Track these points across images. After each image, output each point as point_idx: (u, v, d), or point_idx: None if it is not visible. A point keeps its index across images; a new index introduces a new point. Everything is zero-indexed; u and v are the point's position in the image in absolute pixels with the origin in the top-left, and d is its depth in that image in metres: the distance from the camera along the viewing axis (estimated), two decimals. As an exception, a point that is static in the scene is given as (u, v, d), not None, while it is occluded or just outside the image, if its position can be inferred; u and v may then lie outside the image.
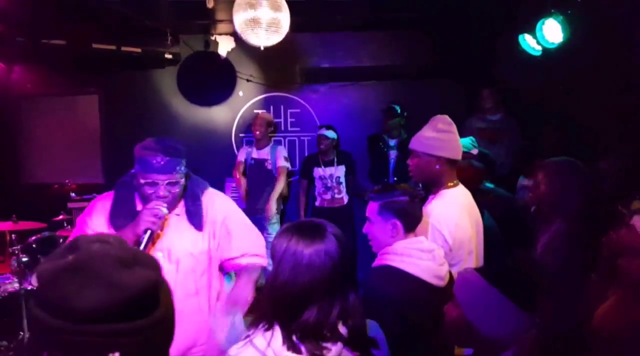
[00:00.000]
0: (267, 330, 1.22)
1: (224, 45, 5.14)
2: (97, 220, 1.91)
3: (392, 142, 4.67)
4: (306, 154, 5.17)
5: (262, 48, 3.09)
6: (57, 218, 4.39)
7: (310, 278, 1.20)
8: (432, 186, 2.19)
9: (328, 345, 1.19)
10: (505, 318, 1.31)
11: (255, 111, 5.19)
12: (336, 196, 4.71)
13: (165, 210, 1.81)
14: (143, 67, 5.11)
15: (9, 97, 5.06)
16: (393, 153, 4.63)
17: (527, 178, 3.58)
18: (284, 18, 2.99)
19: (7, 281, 3.71)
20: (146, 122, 5.28)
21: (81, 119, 5.33)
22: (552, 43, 3.55)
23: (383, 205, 1.82)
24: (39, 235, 3.88)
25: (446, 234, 2.02)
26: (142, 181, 1.82)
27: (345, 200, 4.73)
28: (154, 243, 1.86)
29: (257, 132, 4.69)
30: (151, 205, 1.81)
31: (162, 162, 1.80)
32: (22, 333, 3.45)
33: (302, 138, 5.29)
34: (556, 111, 3.91)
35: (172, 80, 5.21)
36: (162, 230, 1.86)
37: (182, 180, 1.89)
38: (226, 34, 5.02)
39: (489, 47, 4.42)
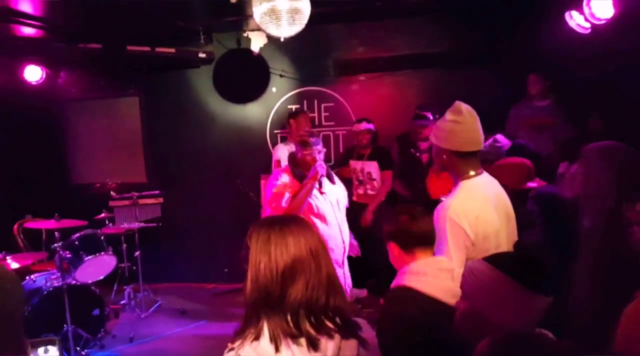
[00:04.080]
0: (255, 338, 1.16)
1: (256, 42, 5.14)
2: (289, 180, 3.10)
3: (423, 145, 4.27)
4: (341, 149, 5.07)
5: (282, 39, 3.03)
6: (99, 217, 4.57)
7: (292, 251, 1.19)
8: (452, 176, 2.06)
9: (324, 336, 1.15)
10: (514, 302, 1.25)
11: (292, 108, 5.15)
12: (369, 192, 4.50)
13: (324, 165, 3.06)
14: (179, 67, 5.21)
15: (56, 102, 5.33)
16: (425, 157, 4.25)
17: (569, 165, 3.32)
18: (305, 7, 2.91)
19: (52, 277, 3.89)
20: (184, 121, 5.41)
21: (123, 120, 5.52)
22: (602, 18, 3.29)
23: (384, 232, 1.83)
24: (81, 233, 4.04)
25: (467, 228, 1.86)
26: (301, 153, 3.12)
27: (382, 197, 4.45)
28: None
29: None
30: (319, 164, 3.01)
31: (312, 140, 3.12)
32: (66, 326, 3.61)
33: (337, 132, 5.19)
34: (608, 94, 3.56)
35: (208, 79, 5.28)
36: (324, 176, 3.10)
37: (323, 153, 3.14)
38: (258, 29, 5.01)
39: (533, 28, 4.08)
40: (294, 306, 1.16)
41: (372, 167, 4.48)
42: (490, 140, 3.28)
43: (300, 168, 3.11)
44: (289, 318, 1.15)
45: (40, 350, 2.25)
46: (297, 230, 1.22)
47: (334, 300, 1.19)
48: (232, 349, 1.17)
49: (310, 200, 3.04)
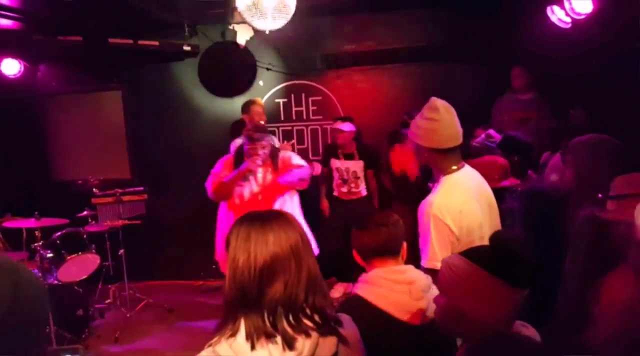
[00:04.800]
0: (231, 335, 1.14)
1: (243, 34, 5.04)
2: (227, 167, 3.34)
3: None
4: (329, 142, 5.01)
5: (267, 32, 2.95)
6: (81, 214, 4.46)
7: (272, 249, 1.17)
8: (435, 172, 2.06)
9: (301, 335, 1.14)
10: (492, 296, 1.24)
11: (280, 102, 5.11)
12: (353, 190, 4.54)
13: (259, 162, 3.19)
14: (163, 61, 5.09)
15: (35, 96, 5.17)
16: None
17: (551, 155, 3.35)
18: (290, -1, 2.84)
19: (33, 277, 3.78)
20: (169, 116, 5.30)
21: (106, 115, 5.39)
22: (582, 13, 3.40)
23: None
24: (62, 231, 3.94)
25: (450, 224, 1.86)
26: (247, 147, 3.22)
27: (364, 192, 4.56)
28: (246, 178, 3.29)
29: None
30: (251, 159, 3.16)
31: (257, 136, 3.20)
32: (48, 327, 3.51)
33: (324, 126, 5.13)
34: (589, 87, 3.62)
35: (193, 73, 5.17)
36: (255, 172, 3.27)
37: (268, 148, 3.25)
38: (243, 22, 4.90)
39: (516, 22, 4.15)
40: (272, 306, 1.14)
41: (358, 167, 4.50)
42: (483, 136, 3.27)
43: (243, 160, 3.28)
44: (265, 316, 1.14)
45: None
46: (278, 227, 1.20)
47: (313, 298, 1.18)
48: (210, 345, 1.16)
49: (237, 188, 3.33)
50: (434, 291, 1.66)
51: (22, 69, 4.72)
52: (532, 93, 4.30)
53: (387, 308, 1.61)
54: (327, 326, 1.19)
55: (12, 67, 4.69)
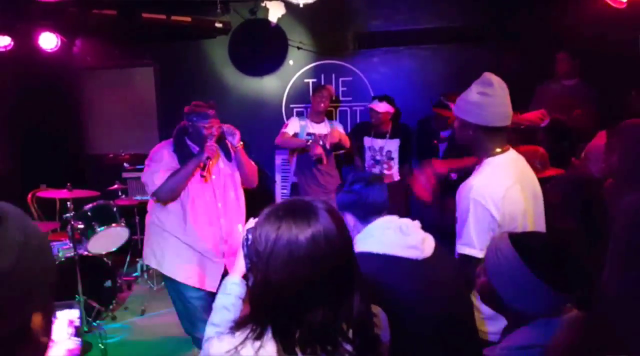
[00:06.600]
0: (256, 338, 1.01)
1: (274, 12, 4.97)
2: (169, 157, 2.74)
3: (444, 133, 4.01)
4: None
5: (301, 5, 2.90)
6: (112, 188, 4.54)
7: (311, 271, 0.99)
8: (477, 153, 1.93)
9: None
10: (531, 294, 1.21)
11: (309, 82, 5.03)
12: (385, 172, 4.37)
13: (213, 148, 2.67)
14: (194, 37, 5.09)
15: (71, 70, 5.27)
16: (442, 146, 4.04)
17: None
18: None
19: (64, 247, 3.89)
20: (199, 93, 5.24)
21: (138, 91, 5.45)
22: None
23: (337, 203, 1.73)
24: (94, 203, 4.01)
25: (492, 209, 1.75)
26: (201, 125, 2.65)
27: (396, 177, 4.37)
28: (209, 168, 2.73)
29: (322, 105, 4.37)
30: (210, 144, 2.64)
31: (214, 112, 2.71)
32: (77, 296, 3.61)
33: (354, 108, 5.04)
34: None
35: (224, 50, 5.15)
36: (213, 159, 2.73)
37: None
38: (276, -1, 4.85)
39: (563, 2, 3.92)
40: (308, 331, 1.00)
41: (393, 146, 4.35)
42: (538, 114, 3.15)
43: (189, 141, 2.76)
44: (297, 337, 1.00)
45: (62, 313, 2.37)
46: (329, 240, 1.00)
47: (359, 314, 1.04)
48: (231, 334, 1.04)
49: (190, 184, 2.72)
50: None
51: (59, 43, 4.79)
52: (577, 80, 4.07)
53: (385, 249, 1.57)
54: (367, 346, 1.06)
55: (50, 41, 4.77)
